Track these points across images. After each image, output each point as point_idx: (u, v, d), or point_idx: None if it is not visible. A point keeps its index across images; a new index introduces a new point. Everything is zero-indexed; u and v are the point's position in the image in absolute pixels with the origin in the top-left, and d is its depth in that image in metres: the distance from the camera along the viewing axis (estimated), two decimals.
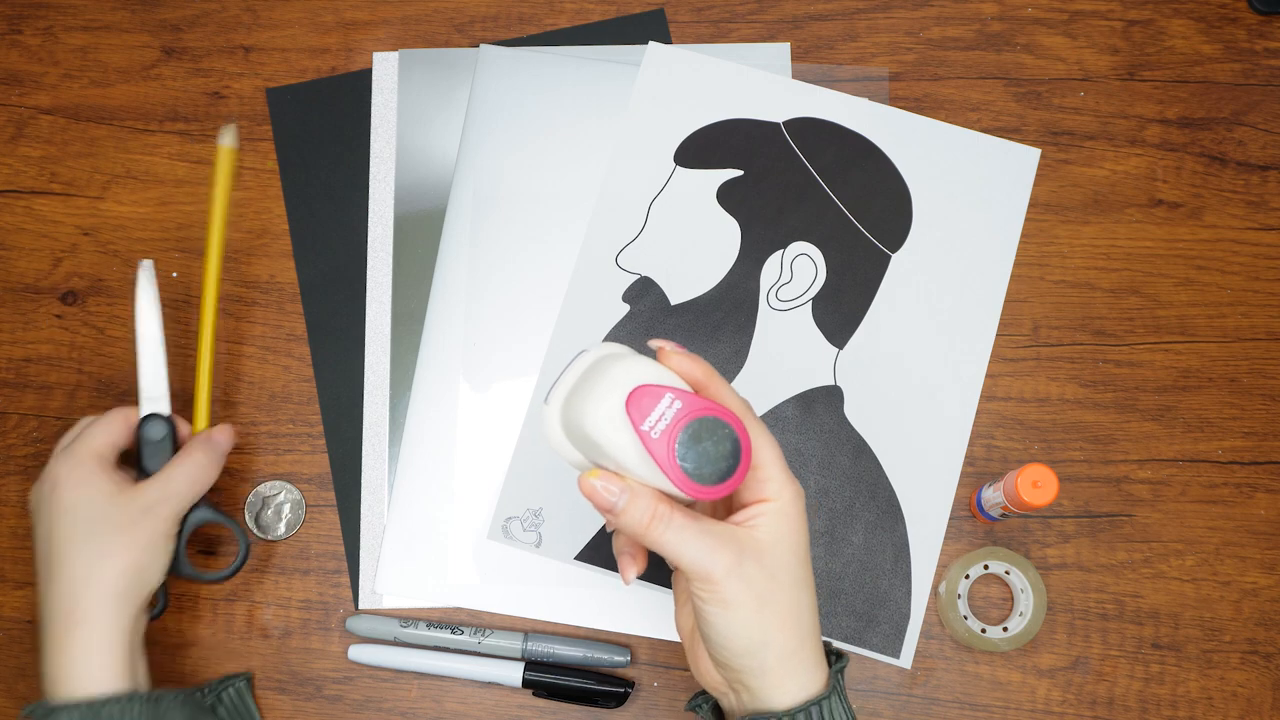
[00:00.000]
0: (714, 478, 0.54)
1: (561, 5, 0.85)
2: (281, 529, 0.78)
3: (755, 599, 0.55)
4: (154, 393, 0.73)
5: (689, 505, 0.57)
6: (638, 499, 0.55)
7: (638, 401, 0.54)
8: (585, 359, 0.58)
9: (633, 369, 0.55)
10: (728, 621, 0.55)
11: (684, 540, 0.55)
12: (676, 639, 0.76)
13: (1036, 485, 0.69)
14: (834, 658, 0.61)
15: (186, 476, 0.70)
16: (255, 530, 0.78)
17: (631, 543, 0.61)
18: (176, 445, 0.73)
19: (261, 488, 0.79)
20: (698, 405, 0.55)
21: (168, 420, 0.72)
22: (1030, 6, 0.84)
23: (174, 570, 0.71)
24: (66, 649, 0.65)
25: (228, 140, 0.73)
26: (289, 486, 0.79)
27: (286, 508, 0.79)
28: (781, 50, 0.84)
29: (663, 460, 0.54)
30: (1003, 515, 0.75)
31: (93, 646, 0.65)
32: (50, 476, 0.69)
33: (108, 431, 0.70)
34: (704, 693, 0.63)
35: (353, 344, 0.81)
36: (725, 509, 0.60)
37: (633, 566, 0.60)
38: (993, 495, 0.73)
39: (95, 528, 0.67)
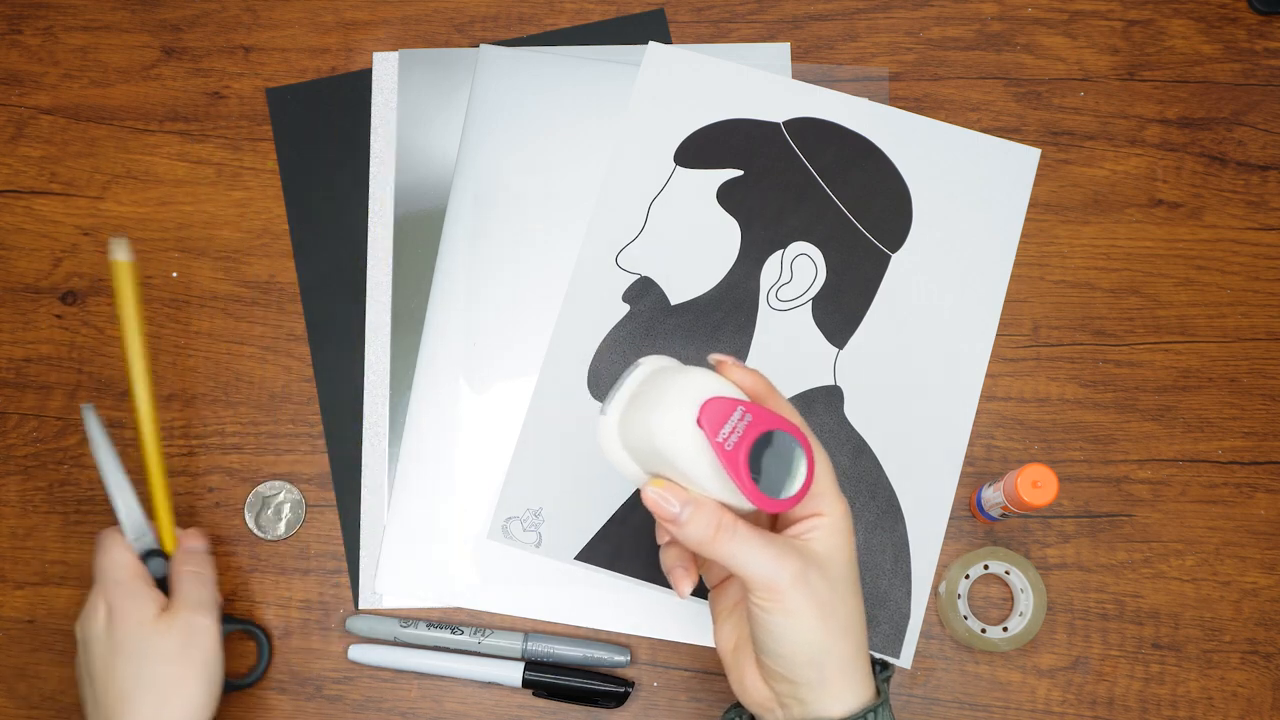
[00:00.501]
0: (783, 489, 0.55)
1: (561, 5, 0.85)
2: (281, 529, 0.78)
3: (819, 608, 0.55)
4: (139, 530, 0.73)
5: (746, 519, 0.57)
6: (702, 510, 0.55)
7: (711, 414, 0.54)
8: (640, 371, 0.58)
9: (697, 381, 0.56)
10: (791, 630, 0.55)
11: (749, 550, 0.55)
12: (677, 639, 0.76)
13: (1036, 485, 0.69)
14: (879, 667, 0.61)
15: (206, 594, 0.71)
16: (255, 530, 0.78)
17: (684, 556, 0.61)
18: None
19: (261, 488, 0.79)
20: (767, 418, 0.55)
21: (163, 555, 0.73)
22: (1030, 6, 0.84)
23: None
24: None
25: (121, 254, 0.70)
26: (288, 486, 0.79)
27: (286, 507, 0.79)
28: (781, 50, 0.83)
29: (736, 472, 0.54)
30: (1003, 515, 0.75)
31: None
32: (102, 608, 0.69)
33: (127, 550, 0.71)
34: (737, 707, 0.62)
35: (353, 344, 0.81)
36: (772, 525, 0.60)
37: (686, 580, 0.60)
38: (993, 495, 0.73)
39: (156, 667, 0.67)
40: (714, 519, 0.55)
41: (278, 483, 0.79)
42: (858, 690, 0.57)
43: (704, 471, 0.55)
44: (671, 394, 0.55)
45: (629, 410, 0.57)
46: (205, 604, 0.71)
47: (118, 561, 0.70)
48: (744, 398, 0.56)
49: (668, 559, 0.61)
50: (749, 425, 0.55)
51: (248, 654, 0.77)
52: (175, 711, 0.67)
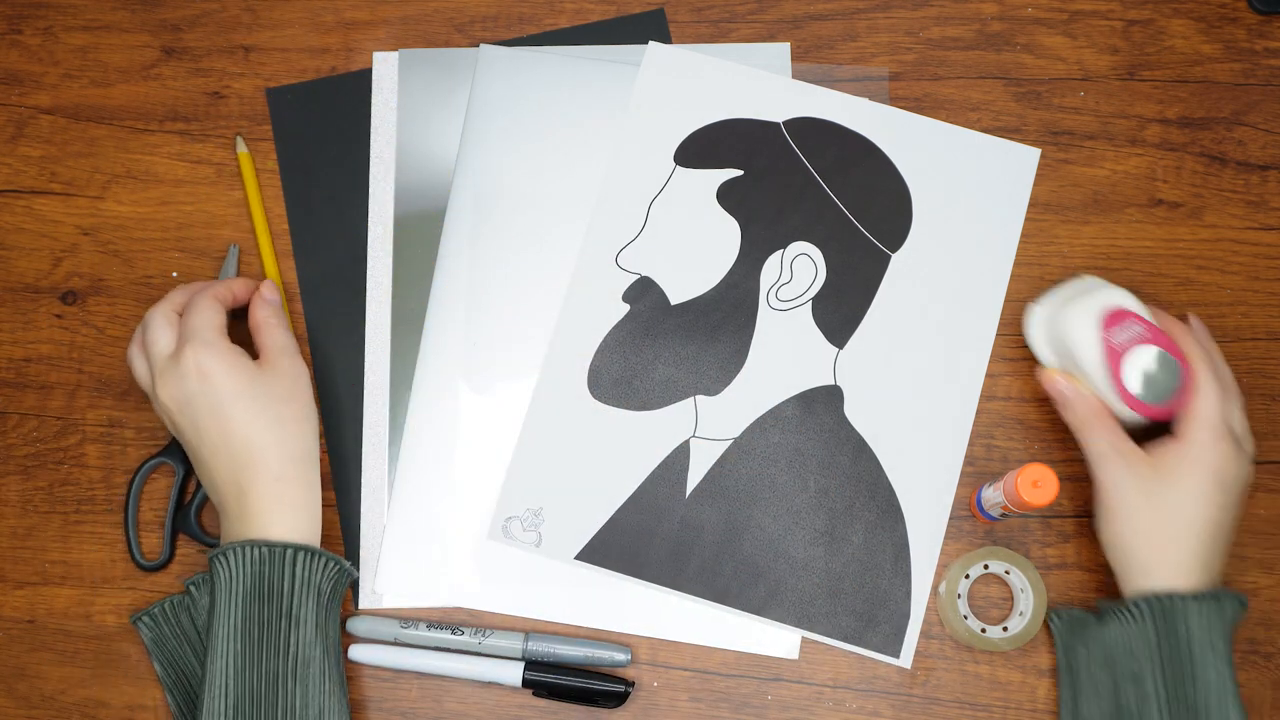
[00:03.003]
0: (1152, 400, 0.70)
1: (561, 5, 0.85)
2: None
3: (1130, 514, 0.69)
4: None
5: (1128, 429, 0.71)
6: (1084, 400, 0.72)
7: (1111, 320, 0.70)
8: (1076, 281, 0.75)
9: (1114, 296, 0.71)
10: (1103, 525, 0.71)
11: (1105, 446, 0.70)
12: (677, 639, 0.76)
13: (1036, 485, 0.69)
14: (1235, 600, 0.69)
15: (291, 340, 0.75)
16: None
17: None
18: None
19: None
20: (1158, 338, 0.70)
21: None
22: (1030, 6, 0.84)
23: (185, 530, 0.78)
24: (280, 506, 0.70)
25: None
26: None
27: None
28: (781, 50, 0.84)
29: (1116, 371, 0.70)
30: (1003, 515, 0.75)
31: (309, 501, 0.71)
32: (195, 369, 0.70)
33: (218, 311, 0.73)
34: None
35: (353, 344, 0.81)
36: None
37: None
38: (993, 495, 0.73)
39: (272, 405, 0.71)
40: (1092, 408, 0.71)
41: None
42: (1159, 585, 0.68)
43: (1094, 365, 0.70)
44: (1091, 300, 0.71)
45: (1056, 306, 0.73)
46: (294, 349, 0.75)
47: (209, 323, 0.72)
48: (1150, 318, 0.71)
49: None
50: (1139, 337, 0.70)
51: None
52: (299, 444, 0.72)
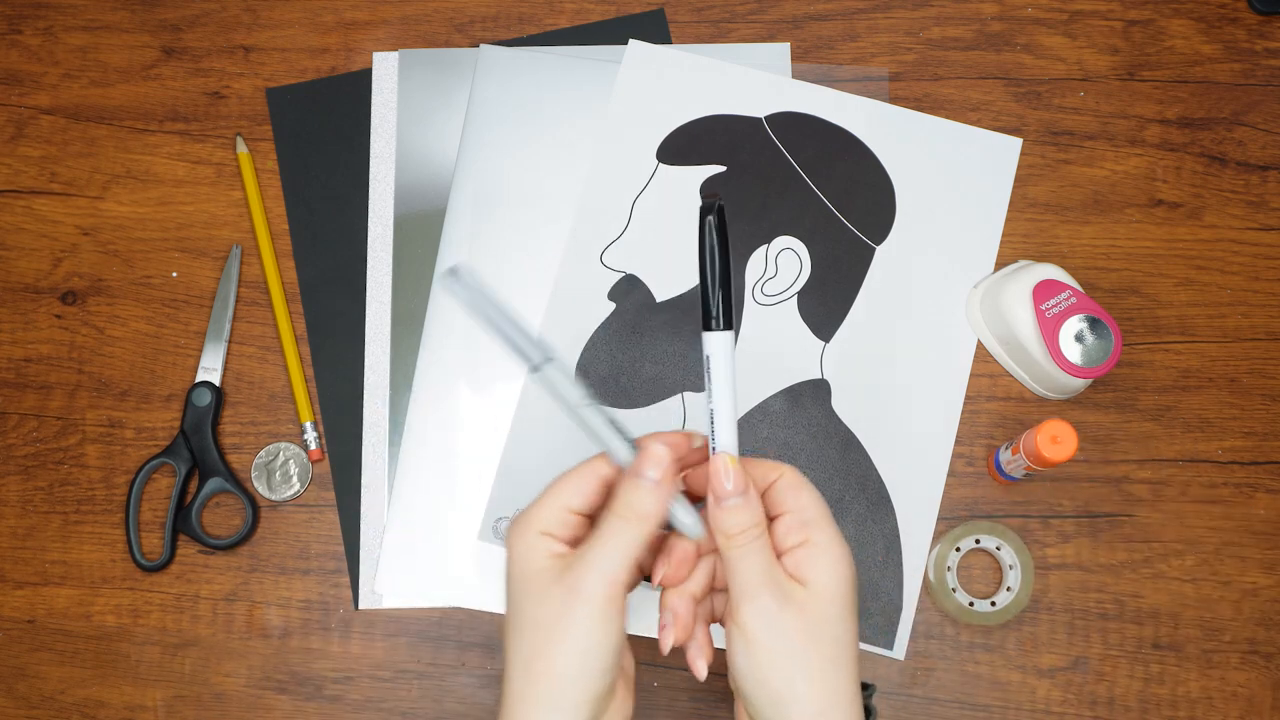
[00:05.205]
0: (1087, 364, 0.72)
1: (561, 5, 0.85)
2: (296, 485, 0.79)
3: (786, 648, 0.53)
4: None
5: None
6: (753, 503, 0.53)
7: (1042, 289, 0.73)
8: (1011, 266, 0.78)
9: (1046, 270, 0.75)
10: (755, 666, 0.53)
11: (759, 562, 0.53)
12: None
13: (1056, 441, 0.70)
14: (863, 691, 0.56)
15: (617, 541, 0.54)
16: (271, 495, 0.79)
17: (689, 615, 0.56)
18: None
19: (260, 456, 0.79)
20: (1088, 305, 0.73)
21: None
22: (1030, 6, 0.84)
23: (185, 530, 0.77)
24: None
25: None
26: (285, 445, 0.79)
27: (292, 464, 0.79)
28: (781, 50, 0.84)
29: (1049, 336, 0.72)
30: (1026, 475, 0.75)
31: None
32: (507, 545, 0.57)
33: (564, 496, 0.58)
34: None
35: (353, 344, 0.81)
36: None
37: (700, 659, 0.56)
38: (1012, 457, 0.73)
39: (524, 627, 0.55)
40: (755, 516, 0.53)
41: (273, 446, 0.79)
42: None
43: (1031, 339, 0.73)
44: (1020, 275, 0.75)
45: (989, 288, 0.77)
46: (609, 564, 0.55)
47: (544, 504, 0.59)
48: (1079, 288, 0.74)
49: (674, 615, 0.55)
50: (1071, 306, 0.73)
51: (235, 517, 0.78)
52: (536, 683, 0.55)
